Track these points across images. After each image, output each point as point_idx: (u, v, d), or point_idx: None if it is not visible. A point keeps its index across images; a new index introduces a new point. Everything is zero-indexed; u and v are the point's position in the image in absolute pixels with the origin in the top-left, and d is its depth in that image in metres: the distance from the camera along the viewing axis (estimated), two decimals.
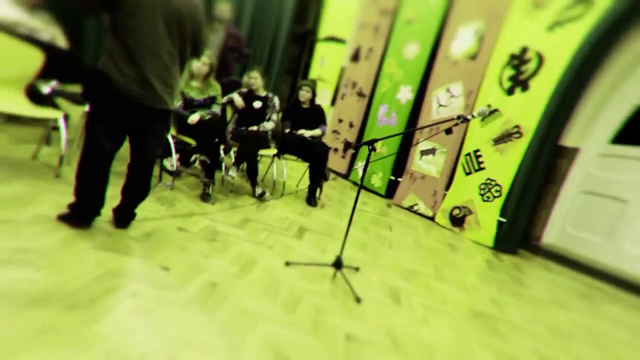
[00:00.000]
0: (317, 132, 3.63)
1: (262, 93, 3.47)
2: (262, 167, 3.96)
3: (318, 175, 3.51)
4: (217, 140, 2.83)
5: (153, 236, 2.01)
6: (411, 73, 4.57)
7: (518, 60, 3.55)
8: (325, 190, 4.21)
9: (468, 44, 4.03)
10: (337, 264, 2.11)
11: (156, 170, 2.94)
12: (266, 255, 2.17)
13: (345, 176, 5.43)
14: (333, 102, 5.89)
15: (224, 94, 3.35)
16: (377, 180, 4.85)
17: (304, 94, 3.61)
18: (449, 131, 2.01)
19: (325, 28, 6.07)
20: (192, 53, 1.92)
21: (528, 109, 3.44)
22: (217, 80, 3.37)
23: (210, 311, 1.47)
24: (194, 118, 2.84)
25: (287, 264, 2.11)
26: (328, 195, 4.05)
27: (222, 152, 3.01)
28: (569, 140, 3.70)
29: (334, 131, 5.62)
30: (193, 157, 3.07)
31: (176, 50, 1.76)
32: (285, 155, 3.67)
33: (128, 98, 1.68)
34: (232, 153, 3.22)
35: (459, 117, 1.91)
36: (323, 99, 5.91)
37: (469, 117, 1.92)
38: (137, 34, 1.62)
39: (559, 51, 3.29)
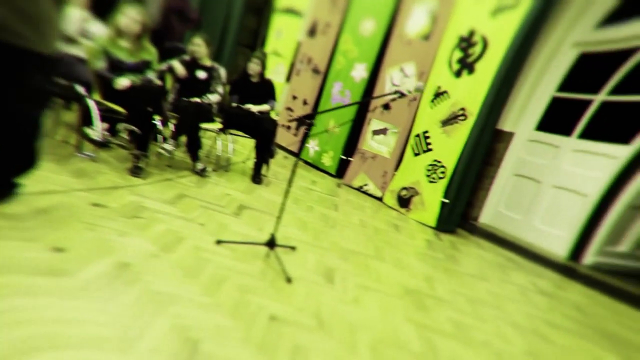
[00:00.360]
0: (265, 107, 3.46)
1: (207, 63, 3.22)
2: (206, 142, 3.75)
3: (264, 152, 3.36)
4: (150, 109, 2.58)
5: (49, 213, 1.70)
6: (367, 50, 4.48)
7: (466, 42, 3.57)
8: (274, 168, 4.08)
9: (422, 23, 3.98)
10: (271, 243, 2.01)
11: (73, 139, 2.65)
12: (196, 233, 2.03)
13: (297, 154, 5.31)
14: (288, 78, 5.69)
15: (165, 60, 3.07)
16: (328, 159, 4.79)
17: (253, 67, 3.42)
18: (386, 106, 1.94)
19: (284, 1, 5.78)
20: None
21: (473, 92, 3.49)
22: (157, 45, 3.08)
23: (111, 296, 1.31)
24: (122, 82, 2.55)
25: (218, 242, 1.99)
26: (275, 174, 3.93)
27: (159, 123, 2.77)
28: (506, 124, 3.89)
29: (288, 108, 5.45)
30: (120, 127, 2.79)
31: None
32: (231, 131, 3.49)
33: None
34: (171, 125, 2.98)
35: (396, 92, 1.85)
36: (278, 74, 5.69)
37: (405, 92, 1.86)
38: None
39: (500, 36, 3.36)
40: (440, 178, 3.70)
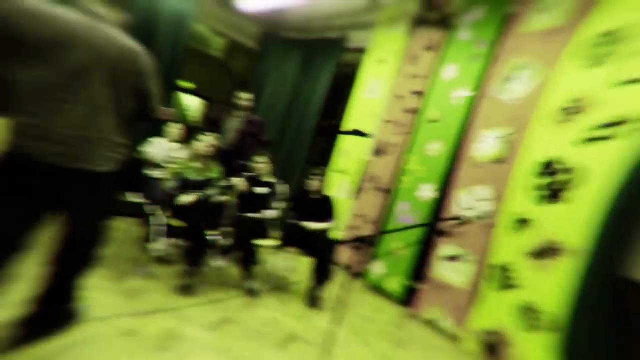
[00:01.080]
0: (323, 225, 3.33)
1: (267, 179, 3.32)
2: (265, 260, 3.63)
3: (321, 273, 3.09)
4: (205, 224, 2.59)
5: (74, 349, 1.57)
6: (433, 171, 4.33)
7: (549, 169, 3.23)
8: (333, 290, 3.72)
9: (493, 148, 3.80)
10: None
11: (136, 254, 2.70)
12: None
13: (358, 275, 4.91)
14: (353, 196, 5.67)
15: (231, 176, 3.24)
16: (394, 284, 4.29)
17: (312, 183, 3.43)
18: (450, 233, 1.64)
19: (350, 121, 6.19)
20: (141, 107, 1.66)
21: (568, 224, 2.97)
22: (228, 163, 3.31)
23: None
24: (183, 198, 2.66)
25: None
26: (334, 298, 3.55)
27: (217, 237, 2.76)
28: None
29: (352, 226, 5.28)
30: (170, 241, 2.82)
31: (106, 102, 1.49)
32: (288, 249, 3.34)
33: (22, 155, 1.35)
34: (228, 241, 2.96)
35: (463, 217, 1.56)
36: (343, 192, 5.73)
37: (473, 217, 1.56)
38: (20, 70, 1.34)
39: (594, 166, 2.94)
40: (543, 327, 2.95)
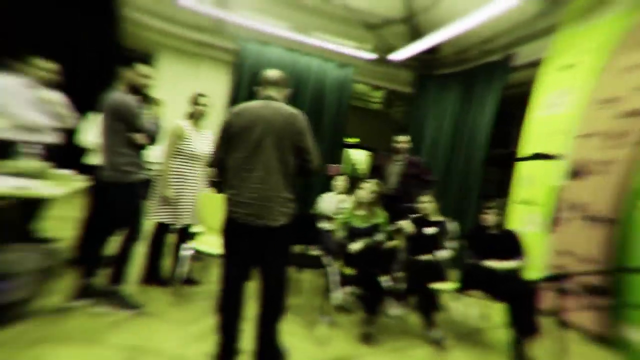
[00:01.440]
0: (510, 264, 2.82)
1: (435, 218, 3.13)
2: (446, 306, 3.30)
3: (521, 323, 2.54)
4: (377, 270, 2.58)
5: None
6: None
7: None
8: (546, 345, 2.96)
9: None
10: None
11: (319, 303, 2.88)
12: None
13: (601, 339, 3.69)
14: (547, 229, 4.66)
15: (397, 220, 3.21)
16: None
17: (487, 217, 3.03)
18: None
19: (529, 145, 5.30)
20: (302, 162, 1.84)
21: None
22: (393, 207, 3.31)
23: None
24: (354, 247, 2.75)
25: None
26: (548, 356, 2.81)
27: (389, 282, 2.72)
28: None
29: (555, 265, 4.28)
30: (347, 289, 2.88)
31: (275, 162, 1.74)
32: (470, 292, 2.92)
33: (232, 220, 1.74)
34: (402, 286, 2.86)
35: None
36: (532, 225, 4.79)
37: None
38: (235, 154, 1.75)
39: None
40: None
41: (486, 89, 5.46)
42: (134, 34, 6.24)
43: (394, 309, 2.65)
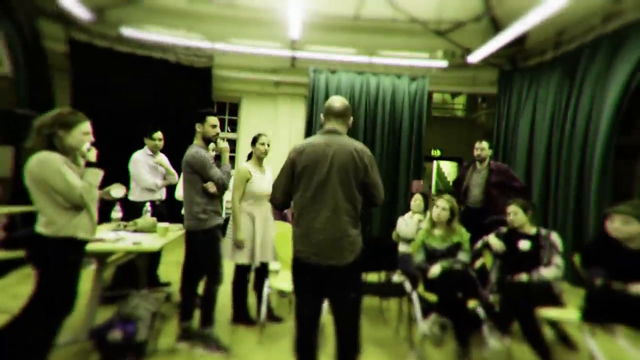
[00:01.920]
0: None
1: (530, 230, 2.68)
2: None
3: None
4: (462, 295, 2.31)
5: None
6: None
7: None
8: None
9: None
10: None
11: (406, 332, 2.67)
12: None
13: None
14: None
15: (483, 235, 2.86)
16: None
17: (618, 227, 2.26)
18: None
19: None
20: (370, 198, 1.78)
21: None
22: (481, 221, 2.98)
23: None
24: (434, 271, 2.52)
25: None
26: None
27: (480, 308, 2.41)
28: None
29: None
30: (433, 318, 2.58)
31: (342, 201, 1.69)
32: (604, 324, 2.25)
33: (299, 260, 1.73)
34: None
35: None
36: None
37: None
38: (302, 193, 1.73)
39: None
40: None
41: (608, 62, 4.44)
42: (222, 89, 7.09)
43: (495, 341, 2.27)
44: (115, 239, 2.39)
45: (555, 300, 2.47)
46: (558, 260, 2.55)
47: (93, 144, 1.89)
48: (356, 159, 1.69)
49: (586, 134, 4.67)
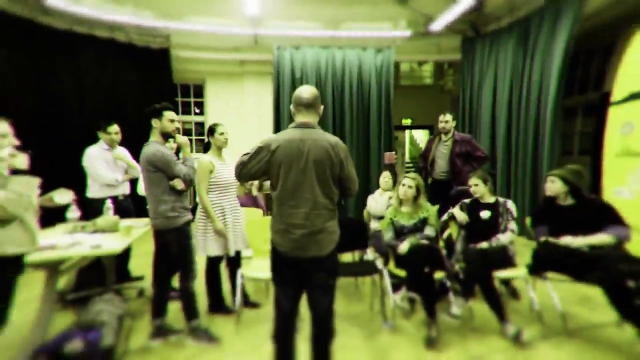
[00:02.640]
0: (602, 237, 2.38)
1: (490, 199, 2.81)
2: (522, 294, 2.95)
3: (629, 310, 2.14)
4: (429, 268, 2.40)
5: None
6: None
7: None
8: None
9: None
10: None
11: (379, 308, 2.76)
12: None
13: None
14: None
15: (447, 208, 2.95)
16: None
17: (551, 186, 2.61)
18: None
19: (625, 85, 4.42)
20: (344, 190, 1.79)
21: None
22: (444, 194, 3.05)
23: None
24: (402, 247, 2.58)
25: None
26: None
27: (446, 279, 2.53)
28: None
29: None
30: (403, 293, 2.68)
31: (320, 197, 1.70)
32: (550, 275, 2.49)
33: (279, 253, 1.73)
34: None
35: None
36: (637, 182, 4.02)
37: None
38: (279, 191, 1.72)
39: None
40: None
41: (552, 31, 4.67)
42: (183, 70, 6.76)
43: (455, 308, 2.40)
44: (69, 243, 2.26)
45: (510, 262, 2.67)
46: (513, 225, 2.74)
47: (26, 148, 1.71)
48: (332, 155, 1.69)
49: (539, 98, 4.89)
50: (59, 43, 5.26)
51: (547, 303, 2.70)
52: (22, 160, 1.70)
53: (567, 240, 2.45)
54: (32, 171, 1.73)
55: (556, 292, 2.54)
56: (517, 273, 2.63)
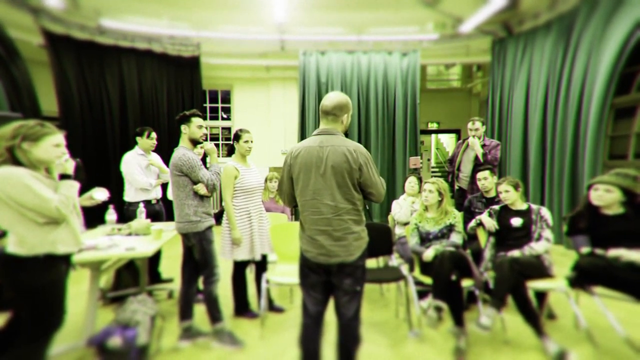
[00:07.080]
0: None
1: (522, 207, 2.69)
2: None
3: None
4: (456, 276, 2.33)
5: None
6: None
7: None
8: None
9: None
10: None
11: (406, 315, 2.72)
12: None
13: None
14: None
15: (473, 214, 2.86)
16: None
17: (600, 195, 2.35)
18: None
19: None
20: (367, 196, 1.78)
21: None
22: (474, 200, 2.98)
23: None
24: (427, 254, 2.53)
25: None
26: None
27: (474, 288, 2.45)
28: None
29: None
30: (429, 300, 2.61)
31: (341, 203, 1.71)
32: (598, 290, 2.30)
33: (306, 259, 1.76)
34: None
35: None
36: None
37: None
38: (301, 197, 1.76)
39: None
40: None
41: (605, 21, 4.32)
42: (212, 77, 6.96)
43: (485, 318, 2.30)
44: (108, 245, 2.39)
45: (546, 272, 2.53)
46: (548, 233, 2.59)
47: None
48: (350, 160, 1.68)
49: (581, 97, 4.60)
50: (108, 57, 5.82)
51: (596, 321, 2.52)
52: (70, 166, 1.83)
53: (620, 252, 2.22)
54: (75, 176, 1.86)
55: (612, 311, 2.32)
56: (556, 284, 2.45)
